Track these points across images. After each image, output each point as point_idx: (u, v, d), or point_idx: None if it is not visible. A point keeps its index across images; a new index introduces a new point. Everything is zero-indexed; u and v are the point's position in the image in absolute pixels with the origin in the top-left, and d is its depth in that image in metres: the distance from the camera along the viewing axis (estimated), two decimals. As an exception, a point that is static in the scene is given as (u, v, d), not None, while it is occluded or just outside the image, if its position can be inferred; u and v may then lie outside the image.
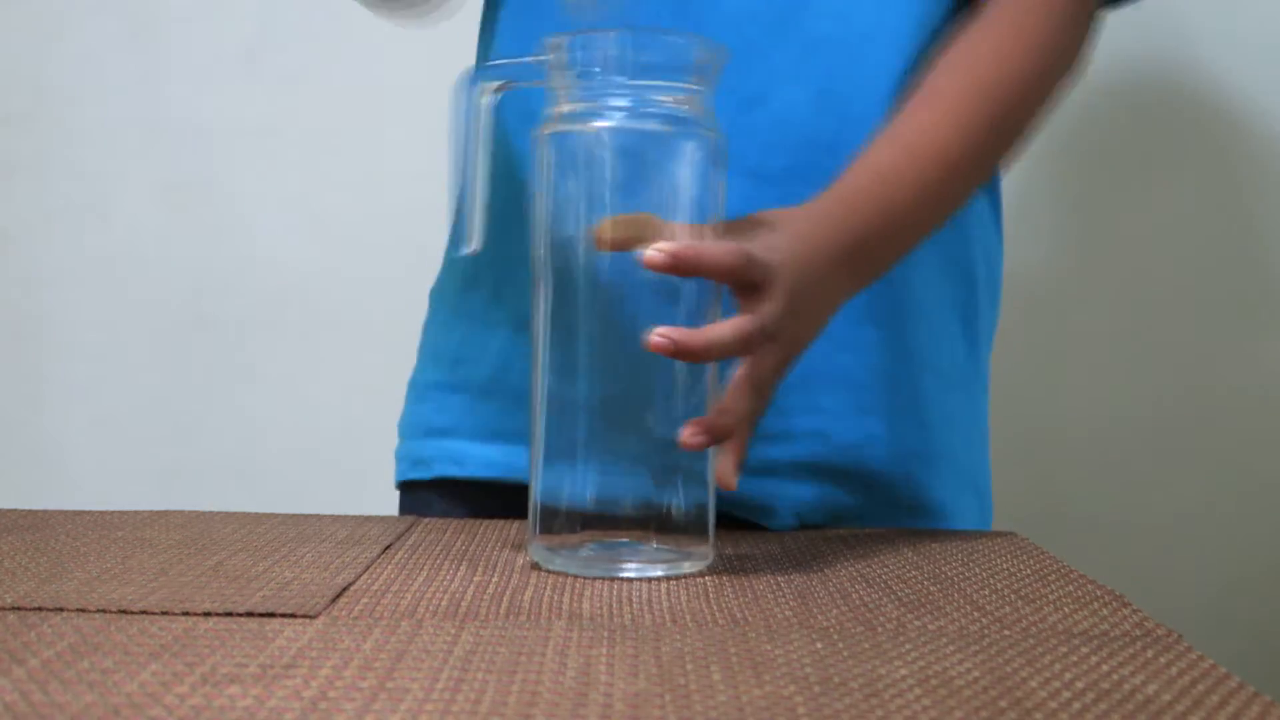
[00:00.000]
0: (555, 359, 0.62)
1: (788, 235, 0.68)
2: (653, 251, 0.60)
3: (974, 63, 0.82)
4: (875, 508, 0.83)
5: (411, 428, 0.95)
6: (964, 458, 0.88)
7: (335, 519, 0.76)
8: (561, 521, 0.62)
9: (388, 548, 0.67)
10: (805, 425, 0.79)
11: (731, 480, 0.65)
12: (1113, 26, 0.98)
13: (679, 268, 0.61)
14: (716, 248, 0.63)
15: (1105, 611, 0.56)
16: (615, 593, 0.57)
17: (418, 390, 0.96)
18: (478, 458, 0.90)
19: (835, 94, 0.80)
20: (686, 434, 0.62)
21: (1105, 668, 0.47)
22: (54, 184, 1.39)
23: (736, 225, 0.68)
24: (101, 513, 0.77)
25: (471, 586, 0.58)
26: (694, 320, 0.62)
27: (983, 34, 0.83)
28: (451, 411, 0.92)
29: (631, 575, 0.61)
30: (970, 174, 0.82)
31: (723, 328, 0.63)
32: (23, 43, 1.38)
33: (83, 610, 0.53)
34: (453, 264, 0.94)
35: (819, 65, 0.80)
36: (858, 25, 0.80)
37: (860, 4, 0.81)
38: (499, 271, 0.89)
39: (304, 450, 1.38)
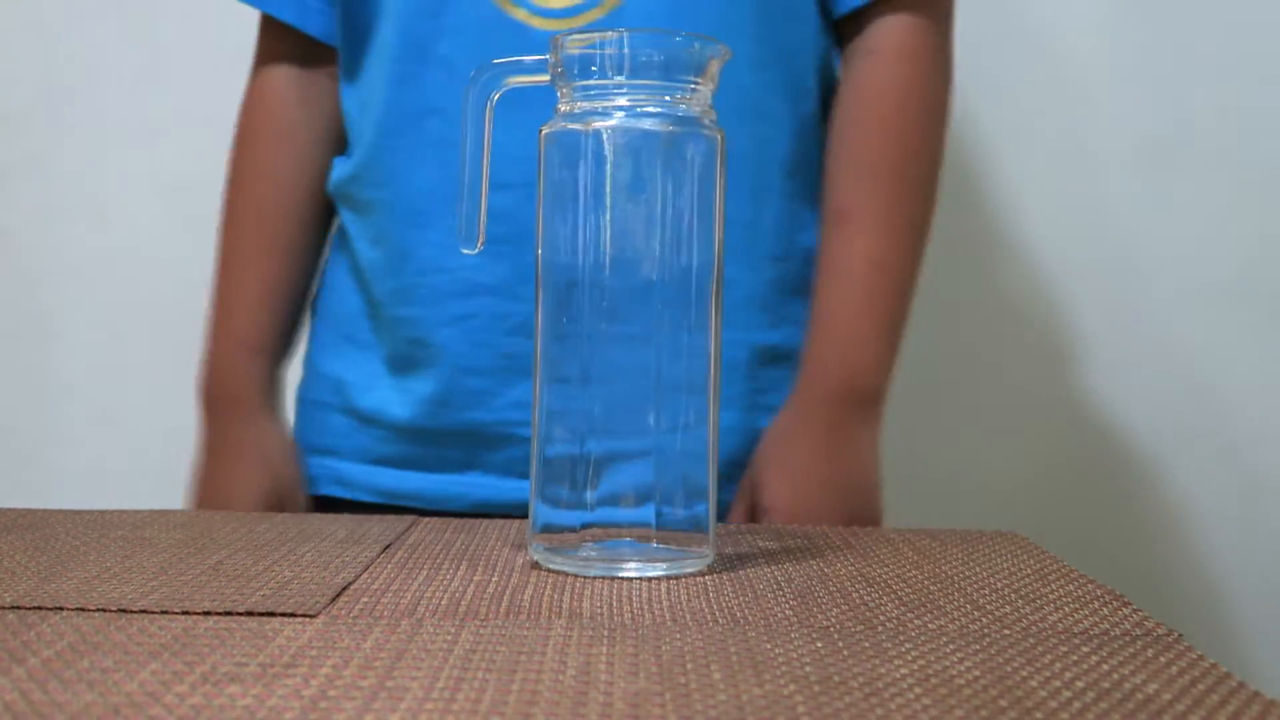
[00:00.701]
0: (555, 358, 0.62)
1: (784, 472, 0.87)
2: None
3: (869, 151, 0.88)
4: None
5: (300, 441, 0.96)
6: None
7: (335, 518, 0.76)
8: (561, 521, 0.62)
9: (388, 547, 0.67)
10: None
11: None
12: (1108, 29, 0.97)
13: None
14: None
15: (1105, 611, 0.56)
16: (615, 592, 0.57)
17: (302, 405, 0.97)
18: (363, 482, 0.90)
19: None
20: None
21: (1105, 667, 0.47)
22: (54, 184, 1.39)
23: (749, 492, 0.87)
24: (101, 512, 0.77)
25: (471, 586, 0.58)
26: (694, 323, 0.62)
27: (863, 120, 0.88)
28: (332, 433, 0.93)
29: (631, 575, 0.61)
30: (909, 260, 0.88)
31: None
32: (23, 42, 1.38)
33: (82, 609, 0.53)
34: (344, 289, 0.94)
35: None
36: None
37: None
38: (391, 305, 0.89)
39: (304, 450, 1.38)
